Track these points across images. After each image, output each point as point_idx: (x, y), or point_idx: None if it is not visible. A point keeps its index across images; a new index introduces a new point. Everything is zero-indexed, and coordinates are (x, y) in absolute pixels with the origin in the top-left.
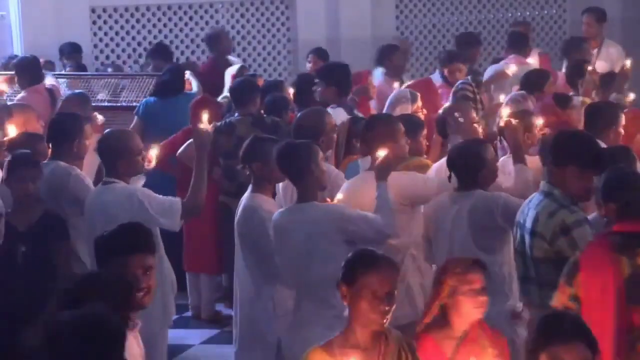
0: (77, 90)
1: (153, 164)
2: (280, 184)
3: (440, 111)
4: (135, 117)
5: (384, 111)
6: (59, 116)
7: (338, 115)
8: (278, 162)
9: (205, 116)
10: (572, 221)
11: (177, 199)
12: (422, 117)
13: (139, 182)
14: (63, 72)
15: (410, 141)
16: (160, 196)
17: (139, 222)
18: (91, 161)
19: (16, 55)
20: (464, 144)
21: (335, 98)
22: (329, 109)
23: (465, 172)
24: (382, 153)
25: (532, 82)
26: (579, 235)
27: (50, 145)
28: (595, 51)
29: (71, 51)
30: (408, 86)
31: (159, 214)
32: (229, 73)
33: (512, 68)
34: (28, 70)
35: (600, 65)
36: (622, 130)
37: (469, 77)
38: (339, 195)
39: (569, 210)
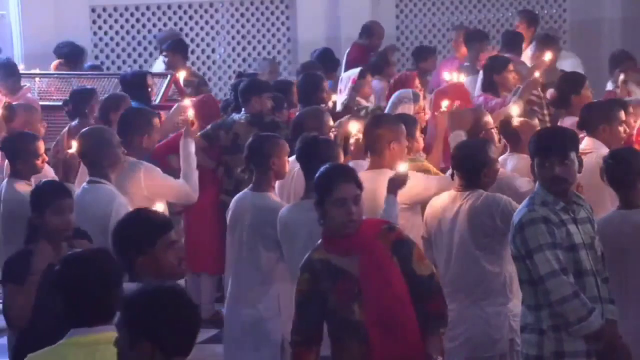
0: (88, 86)
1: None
2: (277, 183)
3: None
4: None
5: (386, 111)
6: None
7: None
8: (301, 153)
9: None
10: (526, 219)
11: None
12: (424, 118)
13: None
14: (63, 72)
15: (408, 140)
16: None
17: (140, 209)
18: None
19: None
20: (468, 143)
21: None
22: None
23: (468, 171)
24: (402, 168)
25: (570, 84)
26: (530, 233)
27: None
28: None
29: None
30: (439, 90)
31: None
32: (349, 77)
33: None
34: (10, 76)
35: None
36: (621, 129)
37: None
38: None
39: (529, 209)
